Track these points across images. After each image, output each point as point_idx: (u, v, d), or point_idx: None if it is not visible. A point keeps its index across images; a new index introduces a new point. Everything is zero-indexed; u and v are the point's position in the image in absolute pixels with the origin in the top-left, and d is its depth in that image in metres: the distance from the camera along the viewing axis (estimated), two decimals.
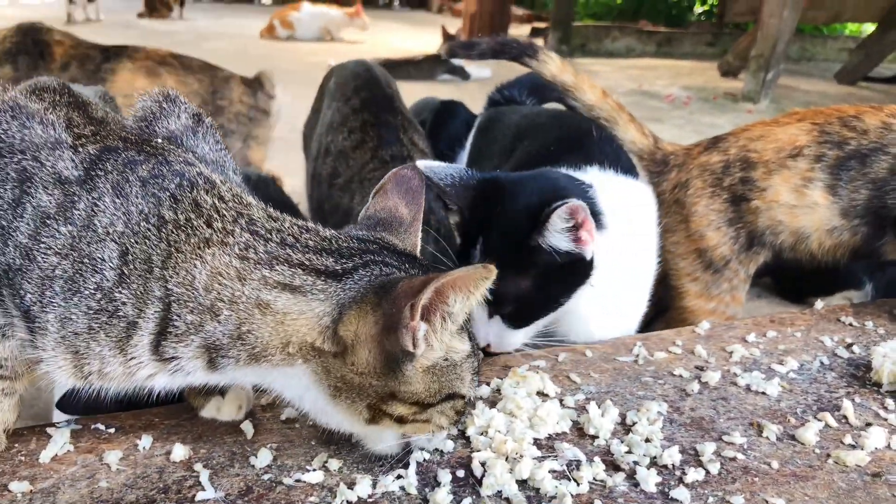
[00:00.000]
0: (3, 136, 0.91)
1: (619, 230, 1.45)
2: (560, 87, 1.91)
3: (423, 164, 1.32)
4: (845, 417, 1.20)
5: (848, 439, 1.13)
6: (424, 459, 1.03)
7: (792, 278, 2.88)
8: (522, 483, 0.99)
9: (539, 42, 2.00)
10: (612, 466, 1.04)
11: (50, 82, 1.05)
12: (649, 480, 1.00)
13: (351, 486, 0.95)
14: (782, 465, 1.06)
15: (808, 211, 1.69)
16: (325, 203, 2.24)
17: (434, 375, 0.90)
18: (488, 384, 1.22)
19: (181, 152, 1.00)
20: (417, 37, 11.11)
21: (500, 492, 0.97)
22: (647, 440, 1.09)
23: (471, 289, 0.85)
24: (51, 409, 1.74)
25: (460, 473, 1.00)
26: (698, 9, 15.88)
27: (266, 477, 0.98)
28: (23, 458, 0.99)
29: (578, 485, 0.99)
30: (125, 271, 0.87)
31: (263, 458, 1.00)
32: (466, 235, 1.41)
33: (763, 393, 1.26)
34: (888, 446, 1.12)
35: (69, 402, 1.07)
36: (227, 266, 0.88)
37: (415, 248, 1.04)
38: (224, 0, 16.26)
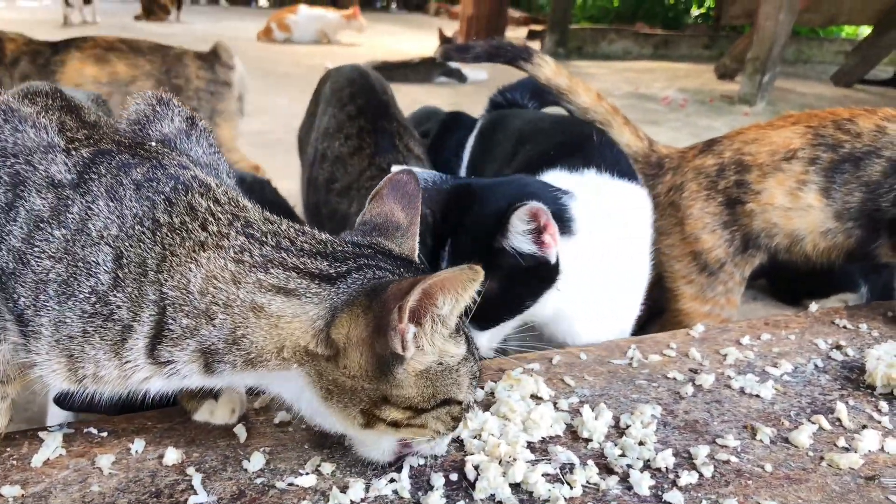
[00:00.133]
0: None
1: (609, 233, 1.46)
2: (555, 91, 1.92)
3: (398, 168, 1.33)
4: (839, 420, 1.20)
5: (842, 442, 1.13)
6: (418, 463, 1.02)
7: (787, 281, 2.88)
8: (516, 486, 0.99)
9: (536, 45, 1.99)
10: (606, 470, 1.04)
11: (42, 87, 1.05)
12: (643, 484, 1.00)
13: (344, 489, 0.95)
14: (776, 468, 1.06)
15: (802, 213, 1.69)
16: (323, 208, 2.25)
17: (428, 380, 0.90)
18: (482, 387, 1.22)
19: (175, 155, 1.00)
20: (414, 39, 11.12)
21: (493, 495, 0.97)
22: (641, 443, 1.09)
23: (458, 290, 0.84)
24: (44, 413, 1.74)
25: (453, 477, 1.00)
26: (695, 11, 15.91)
27: (259, 481, 0.97)
28: (14, 462, 0.99)
29: (572, 488, 0.98)
30: (120, 275, 0.87)
31: (256, 461, 1.00)
32: (437, 237, 1.42)
33: (757, 395, 1.26)
34: (882, 449, 1.13)
35: (66, 399, 1.07)
36: (222, 269, 0.87)
37: (412, 251, 1.03)
38: (221, 3, 16.25)
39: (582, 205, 1.44)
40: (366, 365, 0.86)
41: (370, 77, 2.56)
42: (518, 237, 1.29)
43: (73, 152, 0.92)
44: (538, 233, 1.30)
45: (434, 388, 0.90)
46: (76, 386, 0.91)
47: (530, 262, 1.32)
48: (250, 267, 0.88)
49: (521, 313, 1.37)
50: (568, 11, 10.97)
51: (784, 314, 1.67)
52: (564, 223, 1.38)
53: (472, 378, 0.95)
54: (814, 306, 1.66)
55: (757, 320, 1.61)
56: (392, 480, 0.98)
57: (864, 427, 1.18)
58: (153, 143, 1.02)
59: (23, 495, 0.92)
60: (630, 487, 1.00)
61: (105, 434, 1.05)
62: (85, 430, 1.06)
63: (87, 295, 0.86)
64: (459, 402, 0.94)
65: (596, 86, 1.95)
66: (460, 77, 7.93)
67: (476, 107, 2.64)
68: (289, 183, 3.09)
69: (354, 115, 2.33)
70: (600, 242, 1.45)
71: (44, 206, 0.88)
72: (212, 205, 0.92)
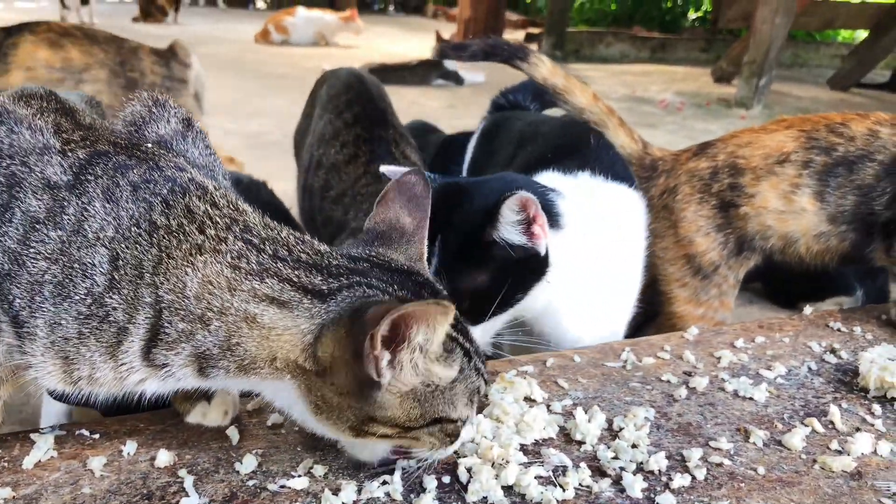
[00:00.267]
0: None
1: (599, 233, 1.47)
2: (551, 90, 1.91)
3: (385, 168, 1.33)
4: (832, 423, 1.20)
5: (834, 445, 1.13)
6: (411, 466, 1.02)
7: (783, 284, 2.89)
8: (508, 489, 0.98)
9: (533, 48, 2.00)
10: (599, 472, 1.04)
11: (37, 90, 1.05)
12: (635, 486, 1.00)
13: (336, 492, 0.95)
14: (768, 471, 1.06)
15: (796, 217, 1.70)
16: (318, 215, 2.25)
17: (415, 401, 0.88)
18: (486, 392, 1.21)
19: (172, 157, 1.00)
20: (412, 42, 11.12)
21: (485, 498, 0.97)
22: (634, 446, 1.09)
23: (430, 322, 0.82)
24: (38, 415, 1.74)
25: (446, 479, 1.00)
26: (692, 15, 15.94)
27: (251, 483, 0.97)
28: (6, 464, 0.98)
29: (564, 490, 0.98)
30: (116, 276, 0.86)
31: (248, 463, 1.00)
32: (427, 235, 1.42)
33: (750, 398, 1.26)
34: (874, 452, 1.13)
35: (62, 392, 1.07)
36: (218, 275, 0.87)
37: (420, 256, 1.02)
38: (219, 5, 16.25)
39: (571, 203, 1.45)
40: (350, 385, 0.85)
41: (367, 83, 2.56)
42: (508, 228, 1.30)
43: (69, 154, 0.91)
44: (528, 224, 1.30)
45: (422, 409, 0.88)
46: (71, 388, 0.91)
47: (520, 254, 1.32)
48: (246, 274, 0.88)
49: (513, 307, 1.37)
50: (565, 14, 11.00)
51: (778, 317, 1.67)
52: (552, 217, 1.39)
53: (470, 395, 0.93)
54: (808, 309, 1.66)
55: (751, 323, 1.61)
56: (384, 483, 0.97)
57: (857, 430, 1.18)
58: (149, 145, 1.01)
59: (13, 497, 0.92)
60: (623, 490, 1.00)
61: (97, 436, 1.05)
62: (77, 433, 1.06)
63: (83, 297, 0.86)
64: (454, 421, 0.92)
65: (593, 89, 1.95)
66: (458, 79, 7.94)
67: (473, 109, 2.64)
68: (285, 185, 3.09)
69: (351, 123, 2.34)
70: (589, 241, 1.45)
71: (39, 208, 0.87)
72: (209, 208, 0.91)
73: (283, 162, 3.36)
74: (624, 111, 1.96)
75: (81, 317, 0.86)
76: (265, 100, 6.27)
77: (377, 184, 2.02)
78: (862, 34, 10.39)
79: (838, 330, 1.57)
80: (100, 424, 1.08)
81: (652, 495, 0.99)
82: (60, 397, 1.07)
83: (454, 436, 0.93)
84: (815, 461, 1.09)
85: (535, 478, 0.99)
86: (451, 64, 7.88)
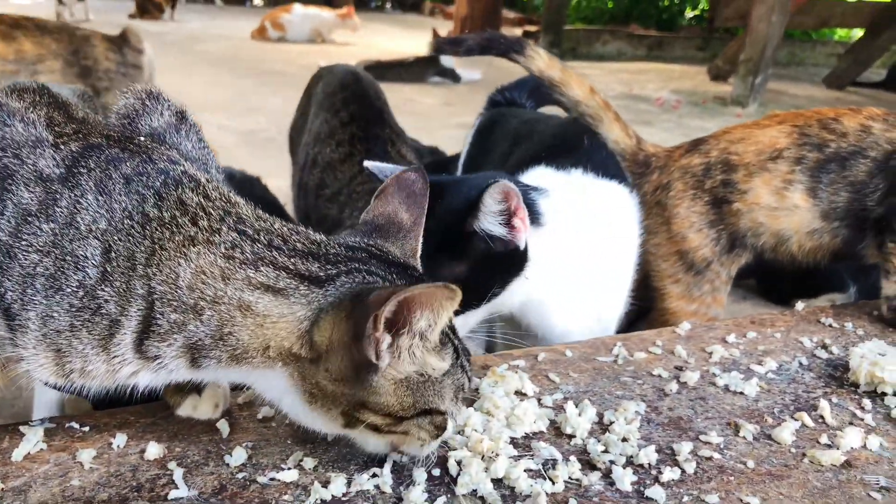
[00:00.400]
0: None
1: (588, 229, 1.47)
2: (547, 83, 1.92)
3: (369, 164, 1.34)
4: (822, 417, 1.20)
5: (824, 439, 1.14)
6: (401, 459, 1.02)
7: (776, 280, 2.89)
8: (498, 482, 0.99)
9: None
10: (588, 465, 1.04)
11: (29, 84, 1.05)
12: (625, 479, 1.00)
13: (325, 484, 0.95)
14: (758, 465, 1.07)
15: (788, 213, 1.70)
16: (312, 213, 2.26)
17: (407, 389, 0.89)
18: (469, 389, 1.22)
19: (165, 150, 1.00)
20: (409, 39, 11.11)
21: (475, 490, 0.97)
22: (624, 439, 1.09)
23: (435, 306, 0.83)
24: (30, 409, 1.74)
25: (436, 472, 1.00)
26: (689, 13, 15.95)
27: (240, 475, 0.97)
28: None
29: (554, 483, 0.99)
30: (108, 269, 0.86)
31: (238, 456, 1.00)
32: None
33: (741, 393, 1.26)
34: (864, 446, 1.13)
35: None
36: (211, 265, 0.87)
37: (414, 253, 1.03)
38: (216, 2, 16.22)
39: (554, 201, 1.45)
40: (345, 370, 0.86)
41: (363, 81, 2.56)
42: (489, 218, 1.30)
43: (62, 147, 0.92)
44: (509, 216, 1.31)
45: (414, 398, 0.89)
46: (63, 381, 0.91)
47: (500, 247, 1.33)
48: (240, 263, 0.88)
49: (489, 301, 1.37)
50: (562, 12, 10.99)
51: (770, 313, 1.67)
52: (532, 214, 1.39)
53: (457, 390, 0.94)
54: (800, 305, 1.66)
55: (743, 318, 1.61)
56: (374, 475, 0.98)
57: (847, 424, 1.18)
58: (142, 138, 1.01)
59: (2, 489, 0.92)
60: (612, 483, 1.00)
61: (87, 429, 1.05)
62: (67, 425, 1.06)
63: (75, 289, 0.86)
64: (442, 413, 0.93)
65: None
66: (454, 77, 7.94)
67: (470, 106, 2.65)
68: (281, 181, 3.09)
69: (347, 122, 2.34)
70: (576, 237, 1.46)
71: (32, 200, 0.87)
72: (202, 200, 0.92)
73: (278, 159, 3.36)
74: (620, 109, 1.96)
75: (73, 309, 0.86)
76: (261, 97, 6.26)
77: (372, 183, 2.03)
78: (858, 33, 10.41)
79: (830, 326, 1.57)
80: (90, 417, 1.08)
81: (641, 488, 0.99)
82: (54, 385, 1.07)
83: (441, 429, 0.94)
84: (804, 455, 1.10)
85: (525, 471, 1.00)
86: (447, 61, 7.88)
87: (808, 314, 1.63)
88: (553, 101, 2.25)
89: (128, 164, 0.92)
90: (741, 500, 0.98)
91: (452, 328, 0.95)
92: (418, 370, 0.89)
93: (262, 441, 1.05)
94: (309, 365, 0.87)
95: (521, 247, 1.35)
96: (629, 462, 1.05)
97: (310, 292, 0.87)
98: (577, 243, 1.46)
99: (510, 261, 1.36)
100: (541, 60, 1.91)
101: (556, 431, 1.12)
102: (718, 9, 11.31)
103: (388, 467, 0.99)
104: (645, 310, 1.95)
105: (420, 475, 0.98)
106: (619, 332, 1.61)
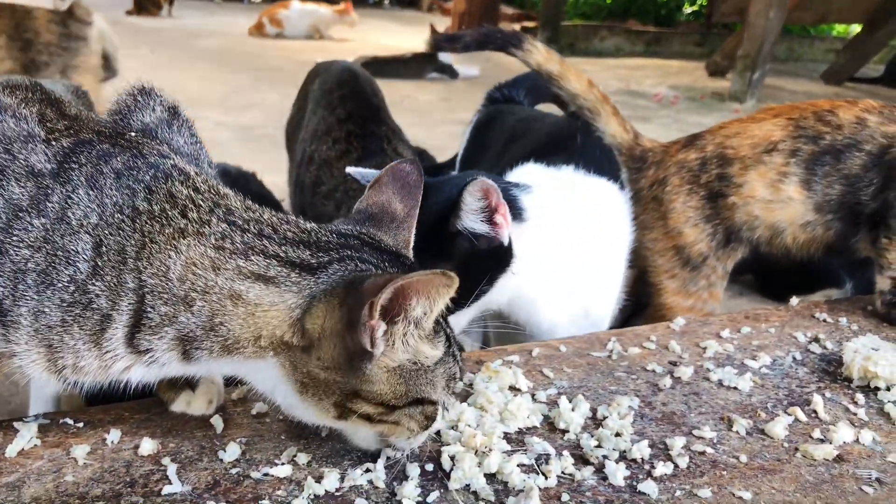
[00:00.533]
0: None
1: (578, 226, 1.48)
2: (546, 76, 1.92)
3: (351, 169, 1.35)
4: (815, 412, 1.20)
5: (817, 433, 1.14)
6: (394, 454, 1.02)
7: (773, 276, 2.89)
8: (491, 477, 0.99)
9: None
10: (581, 460, 1.04)
11: (21, 80, 1.05)
12: (618, 474, 1.00)
13: (319, 479, 0.95)
14: (750, 459, 1.07)
15: (783, 206, 1.70)
16: (308, 211, 2.26)
17: (400, 377, 0.89)
18: (461, 381, 1.22)
19: (155, 144, 1.01)
20: (407, 35, 11.09)
21: (468, 485, 0.97)
22: (618, 434, 1.10)
23: (432, 293, 0.84)
24: (27, 404, 1.74)
25: (429, 467, 1.00)
26: (687, 9, 15.92)
27: (234, 471, 0.97)
28: None
29: (546, 478, 0.99)
30: (99, 263, 0.87)
31: (232, 452, 1.00)
32: None
33: (735, 388, 1.27)
34: (856, 440, 1.13)
35: None
36: (201, 256, 0.87)
37: (407, 243, 1.03)
38: None
39: (539, 196, 1.46)
40: (338, 357, 0.86)
41: (360, 79, 2.57)
42: (471, 216, 1.30)
43: (54, 142, 0.92)
44: (490, 213, 1.31)
45: (406, 387, 0.90)
46: (56, 376, 0.91)
47: (484, 245, 1.33)
48: (230, 253, 0.88)
49: (478, 300, 1.37)
50: (560, 8, 10.98)
51: (765, 308, 1.67)
52: (514, 210, 1.40)
53: (448, 379, 0.94)
54: (794, 300, 1.67)
55: (738, 313, 1.62)
56: (367, 470, 0.98)
57: (840, 419, 1.18)
58: (133, 133, 1.02)
59: None
60: (605, 478, 1.00)
61: (81, 425, 1.05)
62: (61, 421, 1.06)
63: (66, 284, 0.86)
64: (433, 402, 0.93)
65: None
66: (452, 73, 7.93)
67: (467, 103, 2.65)
68: (277, 178, 3.09)
69: (343, 119, 2.35)
70: (562, 232, 1.46)
71: (23, 195, 0.88)
72: (192, 192, 0.92)
73: (275, 155, 3.36)
74: (618, 105, 1.95)
75: (65, 304, 0.87)
76: (259, 93, 6.25)
77: None
78: (856, 28, 10.40)
79: (824, 321, 1.57)
80: (84, 413, 1.08)
81: (634, 483, 1.00)
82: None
83: (431, 419, 0.94)
84: (797, 449, 1.10)
85: (518, 466, 1.00)
86: (445, 57, 7.86)
87: (802, 309, 1.63)
88: (550, 97, 2.26)
89: (118, 158, 0.93)
90: (733, 495, 0.99)
91: (444, 317, 0.96)
92: (412, 358, 0.89)
93: (255, 437, 1.05)
94: (301, 353, 0.87)
95: (505, 243, 1.35)
96: (622, 457, 1.05)
97: (301, 280, 0.87)
98: (563, 239, 1.47)
99: (495, 257, 1.36)
100: (539, 54, 1.91)
101: (550, 426, 1.12)
102: (716, 4, 11.28)
103: (381, 462, 0.99)
104: (641, 305, 1.95)
105: (413, 470, 0.98)
106: (614, 327, 1.61)
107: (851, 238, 1.68)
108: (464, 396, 1.16)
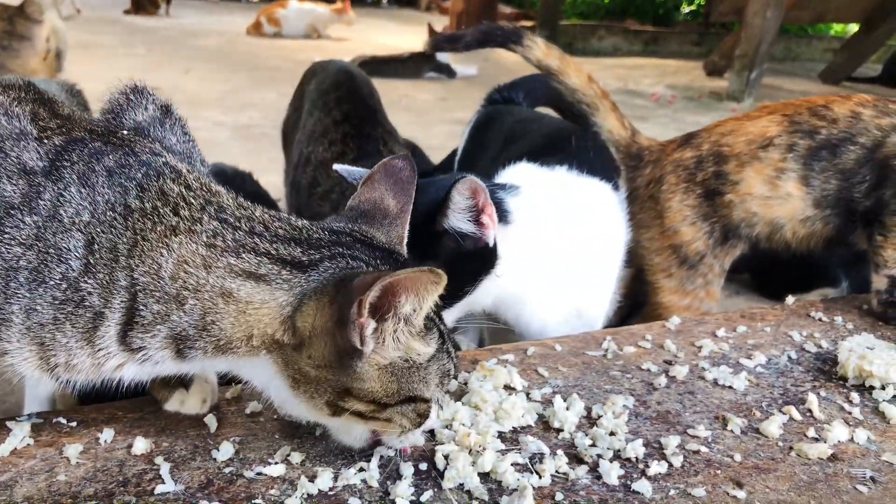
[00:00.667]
0: None
1: (570, 227, 1.49)
2: (545, 72, 1.92)
3: (338, 167, 1.35)
4: (810, 411, 1.20)
5: (811, 432, 1.14)
6: (388, 453, 1.02)
7: (769, 275, 2.90)
8: (485, 476, 0.99)
9: None
10: (576, 459, 1.04)
11: (15, 80, 1.05)
12: (612, 473, 1.00)
13: (312, 478, 0.95)
14: (745, 458, 1.07)
15: (781, 202, 1.70)
16: (305, 212, 2.27)
17: (392, 375, 0.89)
18: (456, 378, 1.22)
19: (147, 143, 1.01)
20: (405, 35, 11.08)
21: (461, 484, 0.97)
22: (612, 433, 1.09)
23: (420, 290, 0.84)
24: (22, 405, 1.73)
25: (423, 466, 1.00)
26: (685, 9, 15.92)
27: (227, 470, 0.97)
28: None
29: (541, 477, 0.99)
30: (91, 261, 0.87)
31: (225, 451, 1.00)
32: None
33: (730, 387, 1.26)
34: (851, 439, 1.13)
35: None
36: (193, 254, 0.88)
37: (400, 240, 1.03)
38: None
39: (526, 198, 1.46)
40: (329, 356, 0.86)
41: (357, 80, 2.57)
42: (458, 215, 1.30)
43: (46, 140, 0.92)
44: (477, 213, 1.31)
45: (398, 385, 0.89)
46: (48, 375, 0.91)
47: (470, 245, 1.33)
48: (222, 251, 0.88)
49: (461, 300, 1.37)
50: (558, 7, 10.98)
51: (761, 307, 1.67)
52: (500, 213, 1.39)
53: (442, 376, 0.94)
54: (790, 299, 1.67)
55: (733, 312, 1.61)
56: (361, 469, 0.98)
57: (835, 418, 1.18)
58: (125, 132, 1.02)
59: None
60: (599, 477, 1.00)
61: (74, 424, 1.05)
62: (54, 420, 1.05)
63: (58, 282, 0.86)
64: (426, 400, 0.93)
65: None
66: (450, 73, 7.92)
67: (466, 102, 2.64)
68: (274, 177, 3.09)
69: (340, 121, 2.36)
70: (551, 234, 1.46)
71: (14, 193, 0.88)
72: (183, 190, 0.92)
73: (273, 154, 3.35)
74: (616, 104, 1.96)
75: (57, 302, 0.86)
76: (256, 92, 6.24)
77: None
78: (854, 28, 10.41)
79: (819, 319, 1.57)
80: (78, 412, 1.08)
81: (628, 482, 0.99)
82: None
83: (424, 417, 0.94)
84: (791, 448, 1.10)
85: (512, 465, 1.00)
86: (443, 57, 7.85)
87: (798, 308, 1.63)
88: (549, 100, 2.26)
89: (110, 156, 0.93)
90: (727, 494, 0.99)
91: (438, 313, 0.95)
92: (403, 356, 0.89)
93: (249, 436, 1.05)
94: (292, 351, 0.87)
95: (490, 244, 1.35)
96: (616, 456, 1.05)
97: (292, 277, 0.87)
98: (553, 239, 1.47)
99: (480, 259, 1.36)
100: (538, 50, 1.92)
101: (544, 425, 1.12)
102: (714, 4, 11.28)
103: (374, 461, 0.99)
104: (638, 304, 1.95)
105: (407, 469, 0.98)
106: (609, 326, 1.61)
107: (850, 232, 1.68)
108: (458, 395, 1.16)
